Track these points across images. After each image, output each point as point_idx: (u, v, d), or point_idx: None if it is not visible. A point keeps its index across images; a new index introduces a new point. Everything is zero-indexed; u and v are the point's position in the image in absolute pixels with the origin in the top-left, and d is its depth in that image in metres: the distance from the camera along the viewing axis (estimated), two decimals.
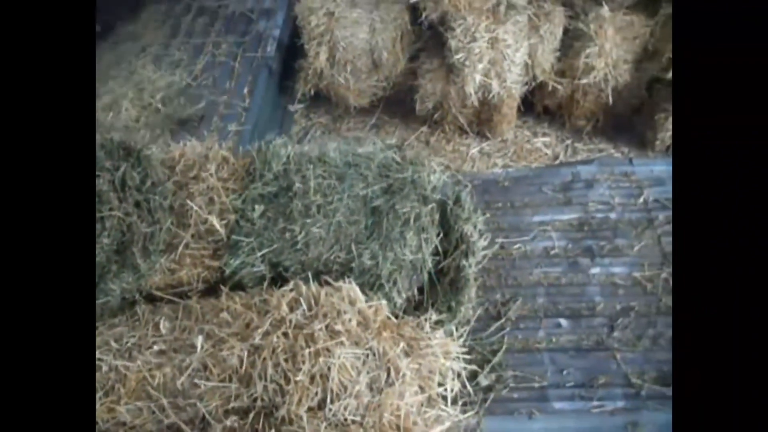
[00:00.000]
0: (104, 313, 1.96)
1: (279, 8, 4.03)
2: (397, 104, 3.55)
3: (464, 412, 1.96)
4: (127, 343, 1.89)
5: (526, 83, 3.26)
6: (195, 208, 2.06)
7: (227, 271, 1.97)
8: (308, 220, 2.00)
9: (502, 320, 2.29)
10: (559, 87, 3.27)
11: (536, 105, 3.50)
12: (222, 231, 2.04)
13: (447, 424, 1.80)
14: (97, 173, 1.93)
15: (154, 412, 1.73)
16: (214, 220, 2.04)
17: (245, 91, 3.34)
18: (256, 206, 2.05)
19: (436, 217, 2.10)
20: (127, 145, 2.11)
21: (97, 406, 1.77)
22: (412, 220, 2.02)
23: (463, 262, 2.04)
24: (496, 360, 2.18)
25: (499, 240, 2.53)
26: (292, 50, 3.70)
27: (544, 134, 3.51)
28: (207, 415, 1.65)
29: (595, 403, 2.12)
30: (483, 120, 3.39)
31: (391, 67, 3.38)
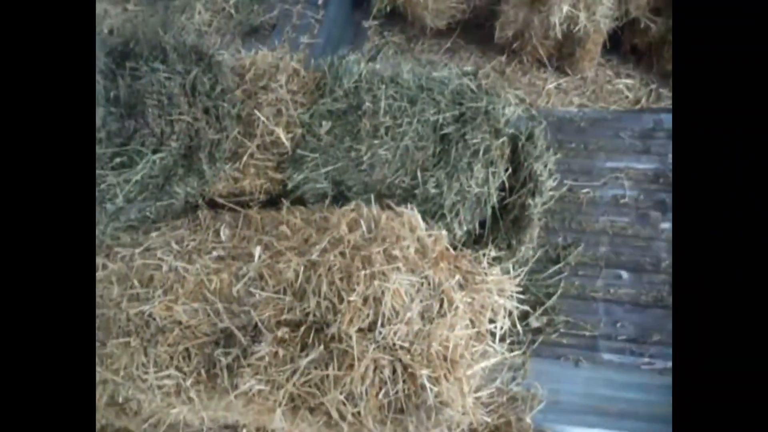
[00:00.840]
0: (168, 214, 2.01)
1: None
2: (475, 29, 3.40)
3: (511, 350, 1.97)
4: (187, 246, 1.95)
5: (617, 18, 3.05)
6: (262, 118, 2.05)
7: (290, 185, 1.98)
8: (375, 141, 1.97)
9: (561, 264, 2.25)
10: (652, 25, 3.05)
11: (624, 43, 3.28)
12: (288, 144, 2.03)
13: (492, 360, 1.81)
14: (168, 76, 1.93)
15: (209, 315, 1.80)
16: (281, 133, 2.03)
17: (319, 2, 3.26)
18: (324, 122, 2.03)
19: (507, 151, 2.04)
20: (200, 49, 2.10)
21: (155, 304, 1.85)
22: (481, 152, 1.97)
23: (529, 200, 1.99)
24: (549, 303, 2.16)
25: (568, 182, 2.44)
26: None
27: (628, 75, 3.30)
28: (260, 324, 1.70)
29: (646, 359, 2.09)
30: (564, 54, 3.21)
31: None
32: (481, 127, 2.02)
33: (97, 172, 1.85)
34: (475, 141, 1.98)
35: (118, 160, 1.84)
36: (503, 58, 3.36)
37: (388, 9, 3.36)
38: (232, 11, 3.29)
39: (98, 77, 1.91)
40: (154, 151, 1.83)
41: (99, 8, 3.66)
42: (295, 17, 3.20)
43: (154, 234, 2.00)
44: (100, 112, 1.85)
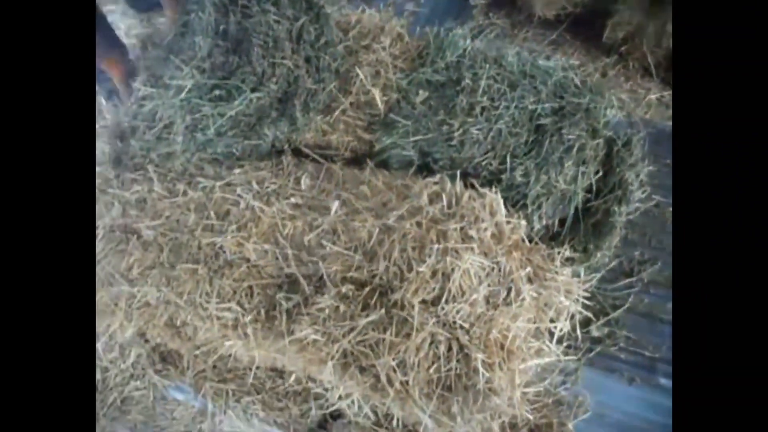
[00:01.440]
0: (253, 154, 2.06)
1: None
2: (584, 25, 3.30)
3: (566, 354, 1.94)
4: (267, 187, 2.00)
5: None
6: (361, 76, 2.06)
7: (377, 147, 1.99)
8: (469, 119, 1.95)
9: (633, 279, 2.19)
10: None
11: None
12: (381, 106, 2.04)
13: (547, 359, 1.79)
14: (277, 19, 1.96)
15: (277, 259, 1.84)
16: (377, 94, 2.04)
17: None
18: (421, 91, 2.03)
19: (601, 153, 1.98)
20: None
21: (228, 237, 1.90)
22: (575, 149, 1.92)
23: (615, 207, 1.94)
24: (614, 315, 2.12)
25: (657, 198, 2.37)
26: None
27: None
28: (326, 276, 1.73)
29: None
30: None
31: None
32: (579, 124, 1.97)
33: (195, 101, 1.90)
34: (570, 137, 1.94)
35: (216, 92, 1.88)
36: (608, 60, 3.27)
37: None
38: None
39: (210, 9, 1.96)
40: (253, 90, 1.86)
41: None
42: None
43: (236, 171, 2.05)
44: (207, 42, 1.90)
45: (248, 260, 1.87)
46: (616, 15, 3.11)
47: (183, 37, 2.14)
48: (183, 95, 1.88)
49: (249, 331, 1.77)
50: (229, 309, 1.81)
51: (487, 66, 2.05)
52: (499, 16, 3.39)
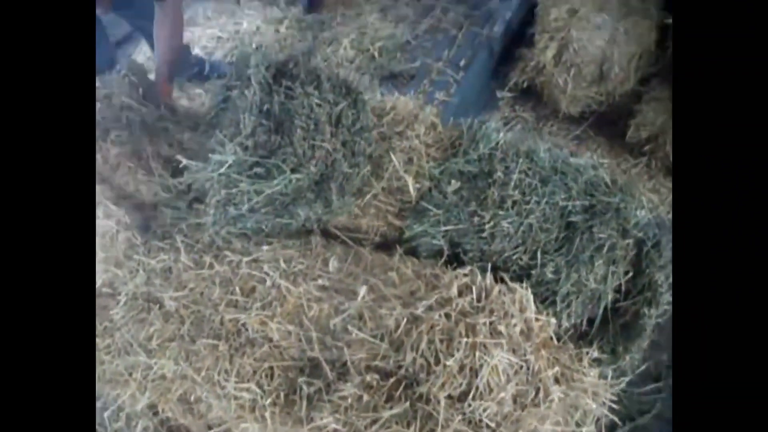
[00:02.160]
0: (282, 232, 2.08)
1: None
2: (608, 123, 3.39)
3: None
4: (294, 267, 2.00)
5: None
6: (394, 162, 2.11)
7: (407, 234, 2.00)
8: (500, 212, 1.97)
9: (661, 384, 2.15)
10: None
11: None
12: (413, 193, 2.07)
13: None
14: (319, 103, 2.02)
15: (300, 341, 1.82)
16: (409, 181, 2.07)
17: (461, 63, 3.35)
18: (453, 181, 2.06)
19: (631, 254, 1.98)
20: (349, 84, 2.19)
21: (251, 315, 1.90)
22: (605, 249, 1.92)
23: (644, 309, 1.92)
24: (640, 421, 2.06)
25: None
26: (518, 35, 3.66)
27: None
28: (350, 363, 1.71)
29: None
30: None
31: (617, 83, 3.23)
32: (609, 224, 1.98)
33: (233, 176, 1.94)
34: (601, 236, 1.94)
35: (256, 170, 1.92)
36: (630, 158, 3.33)
37: (525, 85, 3.42)
38: (376, 54, 3.44)
39: (256, 88, 2.02)
40: (293, 170, 1.90)
41: (252, 25, 3.92)
42: (435, 73, 3.30)
43: (264, 247, 2.06)
44: (251, 121, 1.95)
45: (271, 340, 1.85)
46: (640, 116, 3.20)
47: (224, 111, 2.21)
48: (223, 170, 1.92)
49: (267, 414, 1.73)
50: (247, 389, 1.78)
51: (519, 160, 2.09)
52: (525, 109, 3.49)
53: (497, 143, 2.17)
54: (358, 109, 2.16)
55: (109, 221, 2.42)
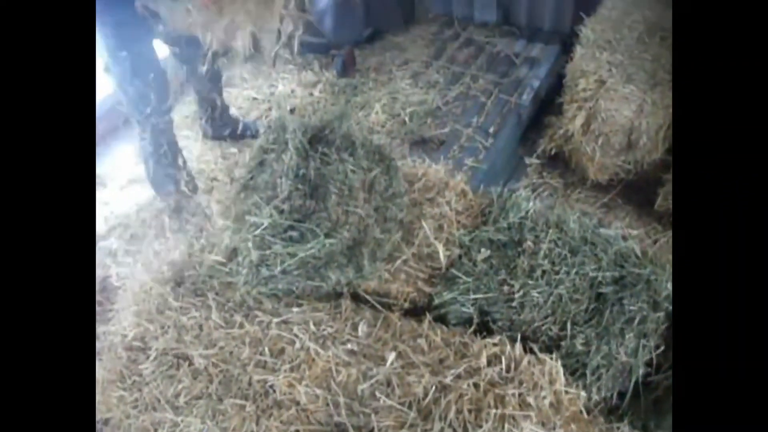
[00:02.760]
0: (312, 294, 2.11)
1: (545, 59, 4.09)
2: (637, 191, 3.41)
3: None
4: (323, 330, 2.03)
5: None
6: (425, 229, 2.15)
7: (436, 301, 2.02)
8: (530, 282, 1.99)
9: None
10: None
11: None
12: (443, 261, 2.10)
13: None
14: (353, 169, 2.09)
15: (328, 405, 1.83)
16: (440, 248, 2.11)
17: (491, 130, 3.43)
18: (483, 249, 2.09)
19: (663, 327, 1.98)
20: (383, 151, 2.26)
21: (280, 378, 1.91)
22: (636, 321, 1.93)
23: None
24: None
25: None
26: (546, 103, 3.74)
27: None
28: (377, 430, 1.71)
29: None
30: None
31: (645, 152, 3.26)
32: (640, 296, 1.99)
33: (267, 238, 2.00)
34: (632, 308, 1.95)
35: (290, 233, 1.97)
36: (659, 227, 3.32)
37: (553, 152, 3.47)
38: (407, 119, 3.53)
39: (293, 152, 2.10)
40: (327, 235, 1.95)
41: (287, 88, 4.07)
42: (464, 139, 3.38)
43: (295, 309, 2.10)
44: (288, 185, 2.02)
45: (298, 403, 1.86)
46: (668, 185, 3.21)
47: (260, 173, 2.28)
48: (258, 232, 1.97)
49: None
50: None
51: (549, 230, 2.12)
52: (553, 176, 3.52)
53: (527, 212, 2.21)
54: (390, 175, 2.23)
55: (146, 275, 2.50)
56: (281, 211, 1.99)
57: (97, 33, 2.46)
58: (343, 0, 3.78)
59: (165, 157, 2.95)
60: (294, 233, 1.98)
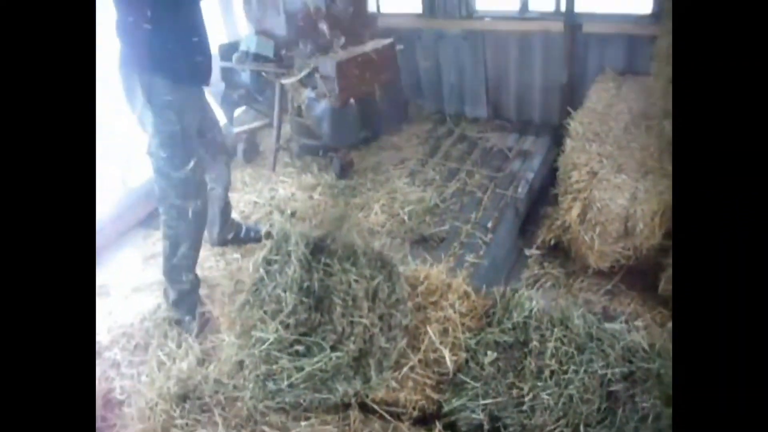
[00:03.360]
0: (320, 406, 2.10)
1: (537, 152, 4.24)
2: (639, 276, 3.43)
3: None
4: None
5: None
6: (430, 334, 2.16)
7: (446, 408, 2.01)
8: (539, 384, 1.99)
9: None
10: None
11: None
12: (450, 366, 2.10)
13: None
14: (356, 279, 2.13)
15: None
16: (446, 353, 2.11)
17: (489, 225, 3.49)
18: (489, 352, 2.10)
19: None
20: (384, 257, 2.31)
21: None
22: (650, 419, 1.90)
23: None
24: None
25: None
26: (541, 195, 3.83)
27: None
28: None
29: None
30: None
31: (643, 238, 3.30)
32: (651, 391, 1.97)
33: (274, 353, 2.01)
34: (644, 405, 1.93)
35: (297, 347, 1.99)
36: (665, 311, 3.32)
37: (552, 242, 3.52)
38: (406, 218, 3.61)
39: (296, 265, 2.15)
40: (333, 348, 1.97)
41: (287, 191, 4.17)
42: (464, 235, 3.44)
43: (303, 423, 2.08)
44: (292, 298, 2.05)
45: None
46: (669, 269, 3.24)
47: (264, 286, 2.32)
48: (264, 347, 1.99)
49: None
50: None
51: (554, 329, 2.13)
52: (554, 265, 3.55)
53: (531, 311, 2.23)
54: (393, 281, 2.26)
55: (150, 391, 2.48)
56: (287, 326, 2.01)
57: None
58: (339, 106, 3.96)
59: (191, 247, 2.99)
60: (300, 347, 2.00)
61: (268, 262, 2.37)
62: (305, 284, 2.11)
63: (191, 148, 2.80)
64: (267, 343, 2.00)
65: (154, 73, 2.59)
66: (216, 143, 3.19)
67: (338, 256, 2.21)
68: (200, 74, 2.84)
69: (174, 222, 2.90)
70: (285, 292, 2.08)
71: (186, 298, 3.07)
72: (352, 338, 2.01)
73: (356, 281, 2.12)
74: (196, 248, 3.03)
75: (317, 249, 2.27)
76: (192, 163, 2.78)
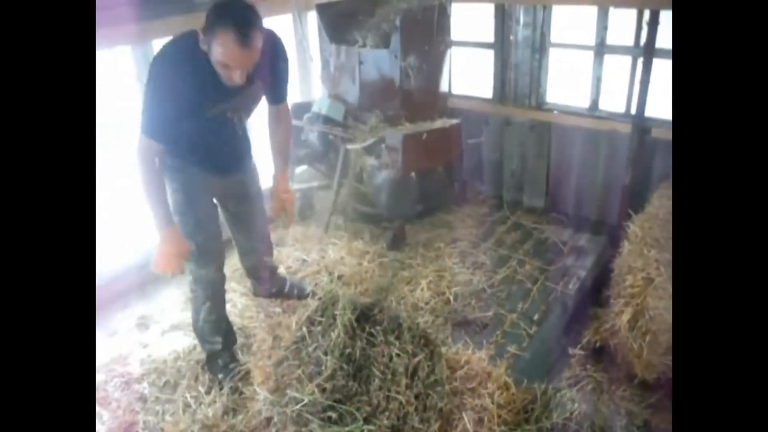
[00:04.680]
0: None
1: (592, 250, 4.21)
2: None
3: None
4: None
5: None
6: (466, 421, 2.13)
7: None
8: None
9: None
10: None
11: None
12: None
13: None
14: (398, 353, 2.13)
15: None
16: None
17: (535, 317, 3.45)
18: None
19: None
20: (428, 336, 2.31)
21: None
22: None
23: None
24: None
25: None
26: (592, 295, 3.78)
27: None
28: None
29: None
30: None
31: None
32: None
33: (305, 415, 2.01)
34: None
35: (330, 413, 1.98)
36: None
37: (598, 344, 3.45)
38: (451, 298, 3.60)
39: (341, 330, 2.17)
40: (366, 420, 1.96)
41: (337, 254, 4.23)
42: (508, 324, 3.40)
43: None
44: (332, 362, 2.07)
45: None
46: None
47: (305, 345, 2.34)
48: (297, 407, 1.99)
49: None
50: None
51: None
52: (597, 369, 3.45)
53: (571, 413, 2.18)
54: (434, 361, 2.26)
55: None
56: (323, 390, 2.02)
57: (167, 189, 2.61)
58: (400, 178, 4.05)
59: (211, 312, 3.04)
60: (333, 414, 1.99)
61: (311, 322, 2.40)
62: (347, 350, 2.12)
63: (201, 217, 2.82)
64: (300, 404, 2.00)
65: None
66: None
67: (383, 328, 2.23)
68: None
69: (193, 285, 2.97)
70: (326, 355, 2.10)
71: (217, 357, 3.10)
72: (386, 413, 1.99)
73: (398, 355, 2.12)
74: (217, 312, 3.07)
75: (363, 317, 2.30)
76: (204, 232, 2.81)
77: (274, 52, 2.57)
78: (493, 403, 2.24)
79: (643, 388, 3.42)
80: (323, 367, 2.08)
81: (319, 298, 2.46)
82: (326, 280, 3.87)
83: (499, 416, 2.20)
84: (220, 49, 2.15)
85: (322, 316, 2.38)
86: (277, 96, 2.79)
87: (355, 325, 2.22)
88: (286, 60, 2.68)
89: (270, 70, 2.58)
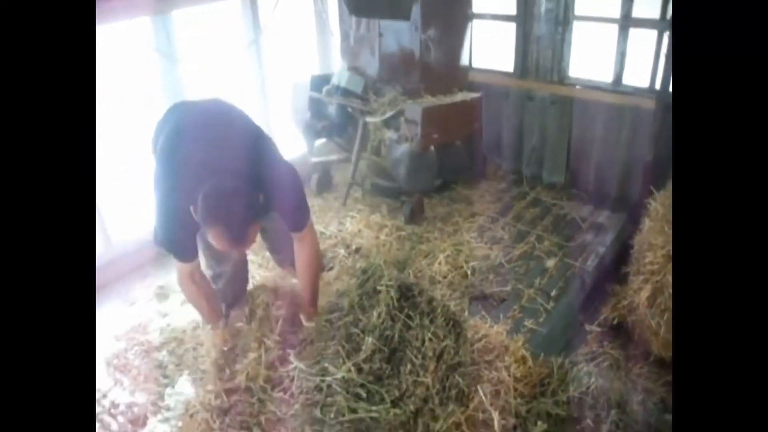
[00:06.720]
0: None
1: (611, 227, 4.20)
2: None
3: None
4: None
5: None
6: (481, 395, 2.16)
7: None
8: None
9: None
10: None
11: None
12: (497, 430, 2.09)
13: None
14: (431, 338, 2.16)
15: None
16: (495, 416, 2.11)
17: (552, 293, 3.47)
18: (539, 422, 2.09)
19: None
20: (458, 318, 2.33)
21: None
22: None
23: None
24: None
25: None
26: (610, 271, 3.78)
27: None
28: None
29: None
30: None
31: None
32: None
33: (334, 386, 2.04)
34: None
35: (359, 390, 2.02)
36: None
37: (615, 321, 3.45)
38: (468, 272, 3.62)
39: (384, 310, 2.20)
40: (393, 403, 1.99)
41: (354, 227, 4.26)
42: (525, 299, 3.42)
43: None
44: (371, 344, 2.10)
45: None
46: None
47: (342, 315, 2.35)
48: (329, 379, 2.03)
49: None
50: None
51: (612, 410, 2.10)
52: (614, 346, 3.45)
53: (588, 388, 2.21)
54: (459, 344, 2.28)
55: (194, 400, 2.55)
56: (359, 370, 2.05)
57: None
58: (419, 151, 4.05)
59: (232, 281, 3.09)
60: (361, 391, 2.02)
61: (351, 306, 2.38)
62: (387, 332, 2.15)
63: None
64: (333, 377, 2.04)
65: None
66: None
67: (420, 311, 2.25)
68: None
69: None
70: (364, 333, 2.13)
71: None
72: (413, 398, 2.02)
73: (430, 340, 2.15)
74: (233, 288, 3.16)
75: (404, 298, 2.31)
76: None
77: (285, 185, 2.46)
78: (509, 375, 2.27)
79: (660, 365, 3.42)
80: (363, 347, 2.11)
81: (364, 271, 2.46)
82: (343, 254, 3.89)
83: (516, 389, 2.23)
84: (214, 240, 2.12)
85: (360, 288, 2.39)
86: (294, 224, 2.62)
87: (397, 305, 2.24)
88: (297, 190, 2.55)
89: (283, 203, 2.50)
